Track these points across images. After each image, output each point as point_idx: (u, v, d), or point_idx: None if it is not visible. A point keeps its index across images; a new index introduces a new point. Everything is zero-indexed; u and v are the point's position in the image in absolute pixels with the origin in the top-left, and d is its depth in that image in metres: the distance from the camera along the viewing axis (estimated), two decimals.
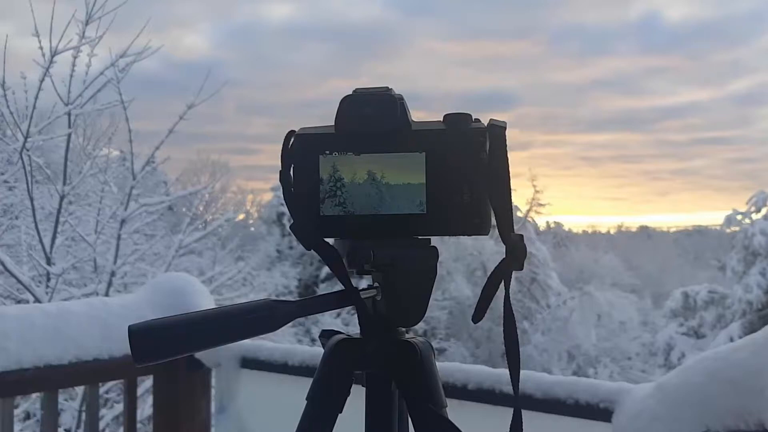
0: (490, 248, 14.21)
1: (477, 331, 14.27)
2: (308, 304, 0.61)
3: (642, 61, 31.92)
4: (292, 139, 0.65)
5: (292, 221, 0.64)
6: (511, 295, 0.61)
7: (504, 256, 0.62)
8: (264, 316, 0.58)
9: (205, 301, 2.50)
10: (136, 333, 0.55)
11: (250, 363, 1.98)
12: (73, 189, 5.60)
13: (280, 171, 0.65)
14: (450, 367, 1.59)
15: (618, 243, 24.82)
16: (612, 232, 30.79)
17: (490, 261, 14.08)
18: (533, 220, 16.63)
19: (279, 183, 0.66)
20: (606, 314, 14.85)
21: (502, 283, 0.62)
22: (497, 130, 0.63)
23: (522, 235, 0.62)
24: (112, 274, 5.29)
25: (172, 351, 0.56)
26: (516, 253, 0.61)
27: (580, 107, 31.55)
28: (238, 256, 10.08)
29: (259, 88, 28.02)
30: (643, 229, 30.76)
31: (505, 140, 0.63)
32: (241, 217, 14.46)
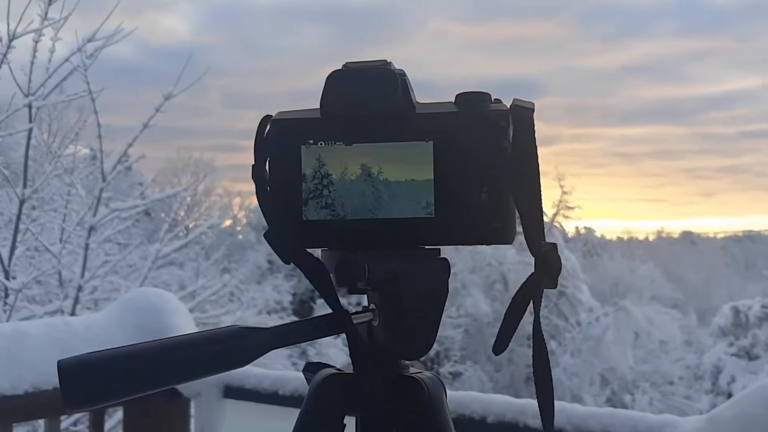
0: (511, 258, 14.18)
1: None
2: (287, 332, 0.57)
3: (683, 44, 31.91)
4: (268, 126, 0.62)
5: (267, 228, 0.60)
6: (544, 314, 0.56)
7: (533, 269, 0.58)
8: (231, 348, 0.54)
9: (182, 320, 2.47)
10: (68, 371, 0.50)
11: (235, 392, 1.99)
12: (36, 192, 5.61)
13: (253, 165, 0.61)
14: (466, 397, 1.56)
15: (657, 251, 24.79)
16: (650, 238, 30.78)
17: (511, 272, 14.06)
18: (560, 226, 16.62)
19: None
20: (644, 332, 14.80)
21: (530, 303, 0.58)
22: (523, 112, 0.59)
23: (555, 245, 0.57)
24: (79, 288, 5.28)
25: (113, 394, 0.51)
26: (548, 266, 0.57)
27: (613, 97, 31.56)
28: (223, 268, 10.14)
29: (247, 77, 28.18)
30: (686, 235, 30.69)
31: (533, 125, 0.59)
32: (228, 223, 14.54)
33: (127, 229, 6.84)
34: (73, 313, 5.21)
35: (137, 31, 5.55)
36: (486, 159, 0.60)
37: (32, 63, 5.03)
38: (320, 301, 13.74)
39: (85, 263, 5.34)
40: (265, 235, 0.60)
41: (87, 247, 5.31)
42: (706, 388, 13.84)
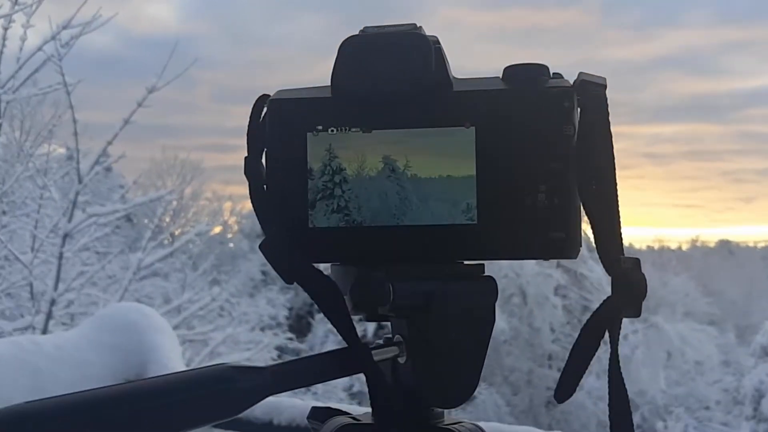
0: (530, 268, 14.12)
1: (514, 373, 14.17)
2: (290, 373, 0.50)
3: (720, 34, 31.96)
4: (265, 108, 0.56)
5: (263, 237, 0.54)
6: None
7: (607, 295, 0.52)
8: (219, 394, 0.47)
9: (165, 339, 2.42)
10: (3, 426, 0.42)
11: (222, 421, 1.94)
12: (5, 195, 5.59)
13: (246, 158, 0.55)
14: (487, 429, 1.49)
15: (692, 262, 24.80)
16: (684, 248, 30.81)
17: (530, 285, 14.02)
18: (584, 233, 16.56)
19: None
20: (678, 352, 14.77)
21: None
22: (593, 89, 0.53)
23: (638, 261, 0.50)
24: (52, 302, 5.24)
25: None
26: (630, 289, 0.50)
27: (642, 92, 31.60)
28: (213, 280, 10.13)
29: (240, 70, 28.32)
30: (724, 244, 30.77)
31: (607, 106, 0.53)
32: (218, 230, 14.54)
33: (107, 236, 6.83)
34: (45, 330, 5.17)
35: (118, 18, 5.55)
36: (544, 150, 0.53)
37: (1, 52, 5.01)
38: (319, 316, 13.69)
39: (58, 274, 5.30)
40: (260, 246, 0.53)
41: (61, 256, 5.27)
42: (746, 413, 13.79)
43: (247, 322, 9.76)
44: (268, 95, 0.56)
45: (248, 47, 30.06)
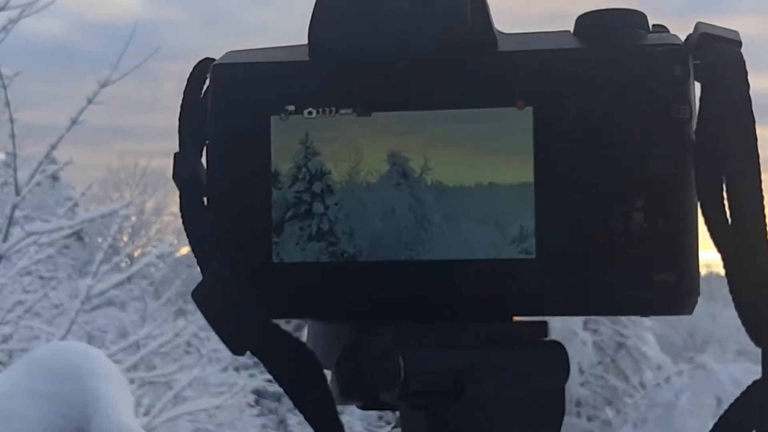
0: None
1: None
2: None
3: None
4: (208, 78, 0.47)
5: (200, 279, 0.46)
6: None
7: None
8: None
9: (112, 386, 2.36)
10: None
11: None
12: None
13: (176, 155, 0.47)
14: None
15: None
16: None
17: (555, 318, 14.18)
18: None
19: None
20: (730, 397, 14.65)
21: None
22: (722, 48, 0.42)
23: None
24: None
25: None
26: None
27: None
28: (178, 310, 10.24)
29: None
30: None
31: (746, 75, 0.43)
32: (184, 251, 14.65)
33: (51, 258, 6.92)
34: None
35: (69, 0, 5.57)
36: (643, 143, 0.44)
37: None
38: None
39: None
40: (193, 294, 0.46)
41: None
42: None
43: (218, 360, 9.85)
44: (213, 60, 0.47)
45: (223, 35, 30.60)
